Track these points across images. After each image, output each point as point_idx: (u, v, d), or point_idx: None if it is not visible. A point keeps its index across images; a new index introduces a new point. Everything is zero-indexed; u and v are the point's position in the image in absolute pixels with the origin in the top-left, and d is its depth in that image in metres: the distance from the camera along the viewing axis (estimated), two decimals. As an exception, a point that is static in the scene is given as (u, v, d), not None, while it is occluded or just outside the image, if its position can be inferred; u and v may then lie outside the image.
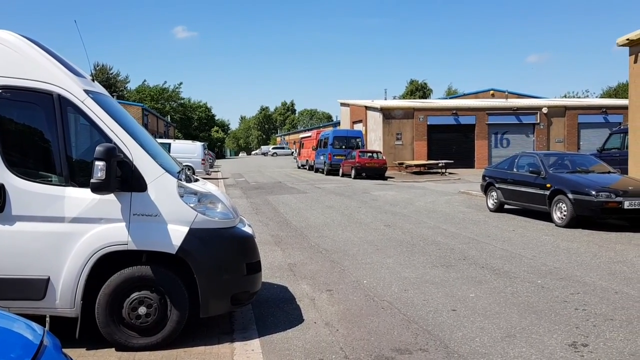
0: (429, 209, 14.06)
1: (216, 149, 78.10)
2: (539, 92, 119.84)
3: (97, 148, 4.09)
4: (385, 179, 26.52)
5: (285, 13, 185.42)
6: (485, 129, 34.41)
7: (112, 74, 70.13)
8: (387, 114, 33.73)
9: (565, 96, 69.08)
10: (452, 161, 31.06)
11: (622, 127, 18.72)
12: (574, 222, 10.71)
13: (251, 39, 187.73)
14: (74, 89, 4.41)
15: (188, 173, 4.98)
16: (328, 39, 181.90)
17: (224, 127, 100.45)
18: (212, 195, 4.74)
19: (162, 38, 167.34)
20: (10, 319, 2.41)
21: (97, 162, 4.05)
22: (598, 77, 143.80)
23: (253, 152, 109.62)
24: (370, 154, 27.83)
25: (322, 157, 31.36)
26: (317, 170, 32.92)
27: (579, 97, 66.80)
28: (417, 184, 23.29)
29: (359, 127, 38.51)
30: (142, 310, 4.29)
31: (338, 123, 54.45)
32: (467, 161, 33.68)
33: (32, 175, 4.31)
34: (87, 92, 4.48)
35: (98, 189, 4.13)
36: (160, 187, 4.40)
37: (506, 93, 43.45)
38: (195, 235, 4.40)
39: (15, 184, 4.23)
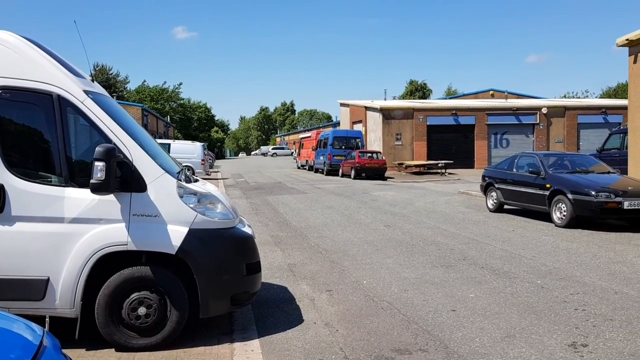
0: (428, 209, 14.06)
1: (216, 150, 78.05)
2: (539, 92, 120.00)
3: (97, 148, 4.09)
4: (385, 179, 26.53)
5: (285, 13, 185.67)
6: (484, 129, 34.43)
7: (111, 74, 70.11)
8: (387, 114, 33.74)
9: (564, 96, 69.17)
10: (451, 161, 31.09)
11: (621, 128, 18.74)
12: (573, 223, 10.72)
13: (251, 39, 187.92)
14: (73, 89, 4.41)
15: (188, 173, 4.98)
16: (328, 39, 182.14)
17: (223, 127, 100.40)
18: (212, 196, 4.74)
19: (162, 38, 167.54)
20: (10, 320, 2.40)
21: (96, 163, 4.05)
22: (598, 78, 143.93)
23: (253, 153, 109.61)
24: (370, 154, 27.84)
25: (321, 158, 31.37)
26: (316, 171, 32.93)
27: (579, 98, 66.83)
28: (416, 184, 23.29)
29: (358, 127, 38.53)
30: (141, 310, 4.29)
31: (338, 123, 54.46)
32: (466, 161, 33.70)
33: (31, 176, 4.31)
34: (86, 92, 4.49)
35: (98, 189, 4.13)
36: (160, 187, 4.40)
37: (506, 93, 43.49)
38: (194, 236, 4.40)
39: (15, 185, 4.23)
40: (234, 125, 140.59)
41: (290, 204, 15.57)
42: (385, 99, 50.67)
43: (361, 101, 40.78)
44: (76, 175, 4.37)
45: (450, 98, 52.32)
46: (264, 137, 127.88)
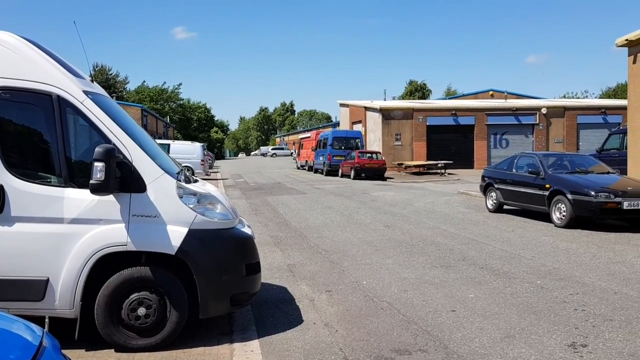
0: (428, 210, 14.06)
1: (215, 150, 78.10)
2: (538, 93, 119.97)
3: (97, 149, 4.09)
4: (384, 179, 26.53)
5: (285, 13, 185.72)
6: (484, 129, 34.44)
7: (111, 74, 70.15)
8: (387, 114, 33.75)
9: (564, 97, 69.23)
10: (451, 162, 31.10)
11: (621, 128, 18.76)
12: (573, 223, 10.72)
13: (251, 39, 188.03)
14: (73, 90, 4.41)
15: (187, 174, 4.98)
16: (328, 39, 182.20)
17: (223, 127, 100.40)
18: (212, 196, 4.74)
19: (162, 38, 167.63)
20: (10, 320, 2.40)
21: (96, 163, 4.05)
22: (597, 78, 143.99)
23: (252, 153, 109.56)
24: (369, 155, 27.84)
25: (321, 158, 31.37)
26: (316, 171, 32.93)
27: (578, 98, 66.86)
28: (416, 185, 23.29)
29: (358, 127, 38.53)
30: (141, 311, 4.29)
31: (337, 124, 54.44)
32: (466, 162, 33.71)
33: (31, 176, 4.31)
34: (86, 93, 4.49)
35: (97, 190, 4.13)
36: (160, 188, 4.40)
37: (505, 93, 43.51)
38: (194, 236, 4.40)
39: (15, 185, 4.23)
40: (233, 126, 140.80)
41: (289, 204, 15.57)
42: (384, 99, 50.70)
43: (361, 101, 40.78)
44: (76, 175, 4.37)
45: (449, 98, 52.31)
46: (263, 137, 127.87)
